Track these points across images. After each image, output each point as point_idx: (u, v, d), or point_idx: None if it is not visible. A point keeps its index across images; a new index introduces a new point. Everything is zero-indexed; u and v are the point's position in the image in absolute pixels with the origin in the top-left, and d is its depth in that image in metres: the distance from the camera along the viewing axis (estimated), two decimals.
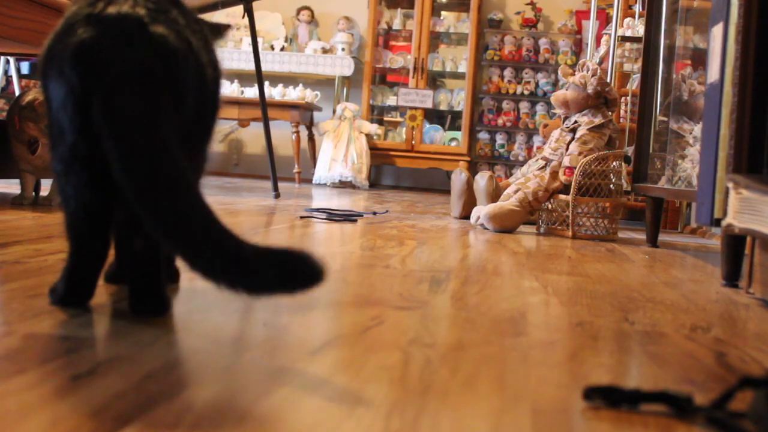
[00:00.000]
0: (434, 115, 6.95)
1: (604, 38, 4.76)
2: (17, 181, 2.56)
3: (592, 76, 3.04)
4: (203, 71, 0.99)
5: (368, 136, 6.54)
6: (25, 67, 4.42)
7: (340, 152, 6.29)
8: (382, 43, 7.01)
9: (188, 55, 0.95)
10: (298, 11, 7.04)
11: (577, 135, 3.04)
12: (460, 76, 6.86)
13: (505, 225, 2.92)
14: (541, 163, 3.13)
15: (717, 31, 1.84)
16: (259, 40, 6.26)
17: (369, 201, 4.42)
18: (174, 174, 0.83)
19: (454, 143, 6.77)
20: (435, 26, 6.80)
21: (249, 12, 3.70)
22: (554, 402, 0.77)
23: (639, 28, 4.39)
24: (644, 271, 2.02)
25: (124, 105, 0.86)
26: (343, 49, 6.75)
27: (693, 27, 2.96)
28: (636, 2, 4.72)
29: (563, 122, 3.21)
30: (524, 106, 6.75)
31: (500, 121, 6.78)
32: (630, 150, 3.49)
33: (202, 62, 0.99)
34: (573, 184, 2.90)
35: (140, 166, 0.84)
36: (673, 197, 2.81)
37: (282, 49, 6.82)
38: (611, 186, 2.95)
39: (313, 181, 6.35)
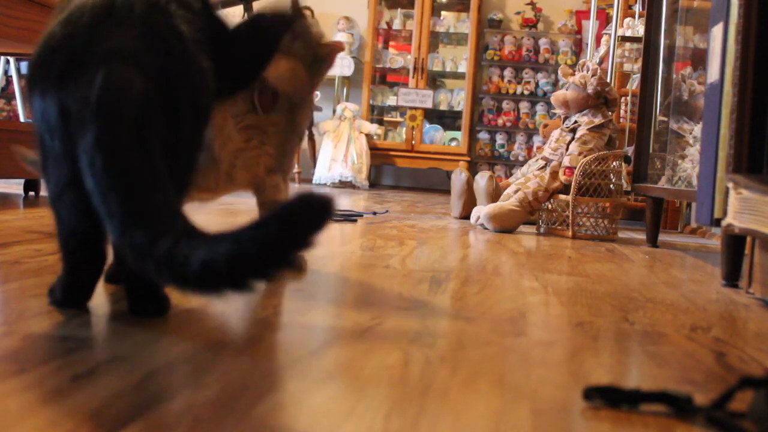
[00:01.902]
0: (434, 115, 6.95)
1: (604, 38, 4.76)
2: (17, 181, 2.56)
3: (592, 76, 3.04)
4: (200, 84, 0.95)
5: (368, 136, 6.54)
6: (25, 67, 4.42)
7: (340, 152, 6.29)
8: (382, 43, 7.01)
9: (183, 78, 0.91)
10: None
11: (577, 135, 3.04)
12: (460, 76, 6.86)
13: (505, 225, 2.92)
14: (541, 163, 3.13)
15: (717, 31, 1.84)
16: None
17: (369, 201, 4.42)
18: (159, 211, 0.79)
19: (454, 143, 6.77)
20: (435, 26, 6.80)
21: (249, 12, 3.70)
22: (554, 402, 0.77)
23: (639, 28, 4.39)
24: (644, 271, 2.02)
25: (110, 144, 0.81)
26: None
27: (693, 27, 2.96)
28: (636, 2, 4.72)
29: (563, 122, 3.21)
30: (524, 106, 6.75)
31: (500, 121, 6.78)
32: (630, 150, 3.49)
33: (201, 68, 0.95)
34: (573, 184, 2.90)
35: (122, 208, 0.79)
36: (673, 197, 2.81)
37: None
38: (611, 186, 2.95)
39: (313, 181, 6.35)
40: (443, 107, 6.89)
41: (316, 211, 0.68)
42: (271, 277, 0.71)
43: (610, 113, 3.10)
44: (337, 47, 1.47)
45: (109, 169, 0.79)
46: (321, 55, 1.45)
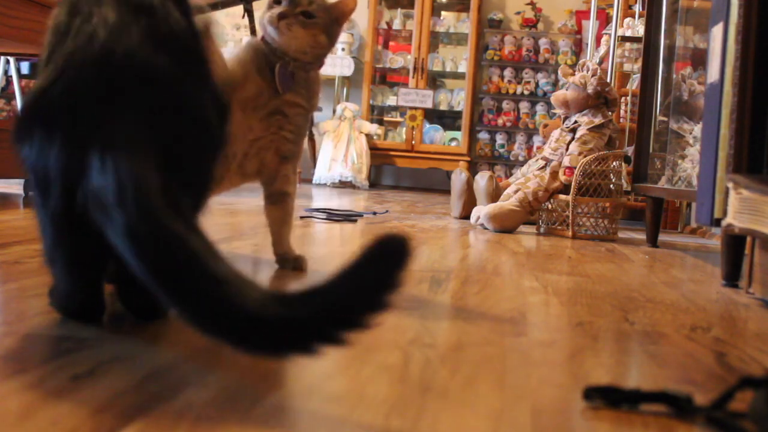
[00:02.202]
0: (434, 115, 6.95)
1: (604, 38, 4.76)
2: (17, 181, 2.56)
3: (592, 76, 3.04)
4: (213, 133, 0.94)
5: (368, 136, 6.54)
6: (25, 67, 4.42)
7: (340, 152, 6.29)
8: (382, 43, 7.01)
9: (196, 146, 0.90)
10: None
11: (577, 135, 3.04)
12: (460, 76, 6.86)
13: (505, 225, 2.92)
14: (541, 163, 3.14)
15: (717, 31, 1.84)
16: None
17: (369, 201, 4.42)
18: (223, 280, 0.71)
19: (454, 143, 6.77)
20: (435, 26, 6.80)
21: (249, 12, 3.70)
22: (554, 402, 0.77)
23: (639, 28, 4.39)
24: (644, 271, 2.02)
25: (146, 231, 0.74)
26: (343, 49, 6.75)
27: (693, 27, 2.97)
28: (636, 2, 4.72)
29: (563, 122, 3.21)
30: (524, 106, 6.76)
31: (500, 121, 6.78)
32: (630, 150, 3.49)
33: (210, 115, 0.94)
34: (573, 184, 2.90)
35: (183, 287, 0.72)
36: (673, 197, 2.81)
37: None
38: (611, 186, 2.95)
39: (313, 181, 6.35)
40: (443, 107, 6.89)
41: (400, 253, 0.67)
42: (365, 327, 0.69)
43: (610, 113, 3.10)
44: (350, 5, 1.47)
45: (155, 255, 0.73)
46: (337, 16, 1.46)
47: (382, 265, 0.68)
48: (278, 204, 1.50)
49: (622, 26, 4.54)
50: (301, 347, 0.67)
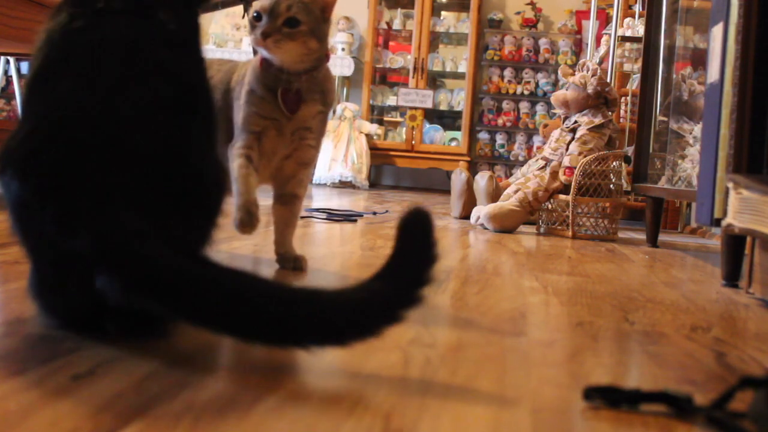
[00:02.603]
0: (434, 115, 6.95)
1: (604, 38, 4.76)
2: None
3: (592, 76, 3.04)
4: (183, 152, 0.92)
5: (368, 136, 6.53)
6: (25, 67, 4.42)
7: (340, 152, 6.29)
8: (382, 43, 7.01)
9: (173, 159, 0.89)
10: None
11: (577, 135, 3.04)
12: (460, 76, 6.86)
13: (505, 225, 2.92)
14: (541, 163, 3.14)
15: (717, 31, 1.84)
16: None
17: (369, 201, 4.42)
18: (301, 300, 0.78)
19: (454, 143, 6.77)
20: (435, 26, 6.80)
21: (249, 12, 3.70)
22: (554, 402, 0.77)
23: (639, 28, 4.39)
24: (644, 271, 2.02)
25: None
26: (343, 49, 6.75)
27: (693, 27, 2.97)
28: (636, 2, 4.72)
29: (563, 122, 3.21)
30: (524, 106, 6.75)
31: (500, 121, 6.78)
32: (630, 150, 3.49)
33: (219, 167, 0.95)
34: (573, 184, 2.90)
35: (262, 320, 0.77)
36: (673, 197, 2.81)
37: None
38: (611, 186, 2.95)
39: (313, 181, 6.35)
40: (443, 107, 6.89)
41: (425, 219, 0.82)
42: (433, 281, 0.81)
43: (610, 113, 3.10)
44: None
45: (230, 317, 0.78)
46: (321, 8, 1.41)
47: (418, 231, 0.81)
48: (287, 205, 1.51)
49: (622, 26, 4.54)
50: (394, 319, 0.77)
